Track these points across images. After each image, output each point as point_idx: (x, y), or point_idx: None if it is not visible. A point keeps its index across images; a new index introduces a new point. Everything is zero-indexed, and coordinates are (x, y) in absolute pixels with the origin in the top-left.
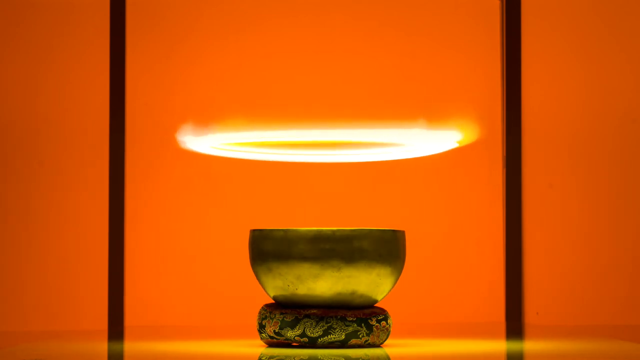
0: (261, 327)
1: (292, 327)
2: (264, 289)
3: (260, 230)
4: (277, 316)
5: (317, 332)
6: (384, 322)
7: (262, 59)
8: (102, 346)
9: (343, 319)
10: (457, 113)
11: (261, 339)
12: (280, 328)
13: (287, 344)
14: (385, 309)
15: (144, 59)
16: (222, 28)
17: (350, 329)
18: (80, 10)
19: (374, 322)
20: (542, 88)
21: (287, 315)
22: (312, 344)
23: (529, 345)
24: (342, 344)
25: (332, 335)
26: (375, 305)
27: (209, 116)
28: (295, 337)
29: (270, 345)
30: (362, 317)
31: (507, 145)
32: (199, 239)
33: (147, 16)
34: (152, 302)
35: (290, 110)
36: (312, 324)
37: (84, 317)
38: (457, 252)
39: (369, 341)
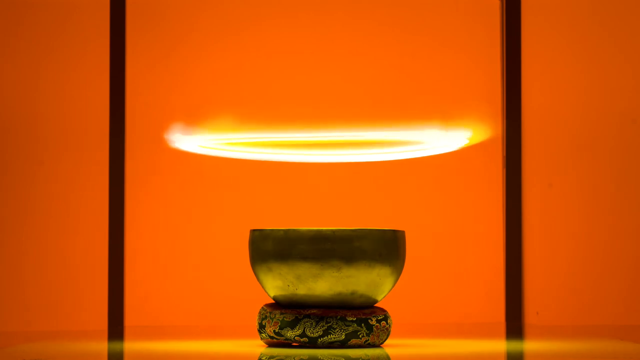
0: (261, 327)
1: (292, 327)
2: (264, 289)
3: (260, 230)
4: (277, 316)
5: (317, 332)
6: (384, 322)
7: (263, 59)
8: (102, 346)
9: (343, 319)
10: (457, 113)
11: (261, 339)
12: (280, 328)
13: (287, 344)
14: (385, 309)
15: (144, 59)
16: (222, 28)
17: (350, 329)
18: (80, 10)
19: (374, 322)
20: (542, 88)
21: (287, 315)
22: (312, 344)
23: (529, 345)
24: (342, 344)
25: (332, 335)
26: (375, 305)
27: (209, 116)
28: (295, 337)
29: (270, 345)
30: (362, 317)
31: (507, 145)
32: (199, 239)
33: (147, 16)
34: (152, 302)
35: (287, 110)
36: (312, 324)
37: (84, 317)
38: (457, 252)
39: (369, 341)
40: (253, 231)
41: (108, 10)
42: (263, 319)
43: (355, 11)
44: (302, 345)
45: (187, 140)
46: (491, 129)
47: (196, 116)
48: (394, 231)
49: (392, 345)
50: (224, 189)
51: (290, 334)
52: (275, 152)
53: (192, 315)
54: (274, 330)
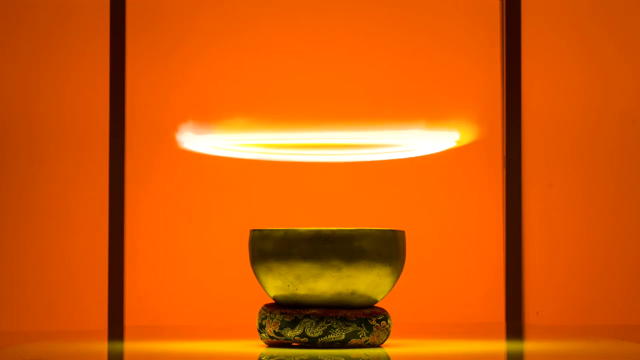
0: (261, 327)
1: (292, 327)
2: (264, 289)
3: (260, 230)
4: (277, 316)
5: (317, 332)
6: (384, 322)
7: (262, 59)
8: (102, 346)
9: (343, 319)
10: (457, 113)
11: (261, 339)
12: (280, 328)
13: (287, 344)
14: (385, 309)
15: (144, 59)
16: (222, 28)
17: (350, 329)
18: (80, 10)
19: (374, 322)
20: (542, 88)
21: (287, 315)
22: (312, 344)
23: (529, 345)
24: (342, 344)
25: (332, 335)
26: (375, 305)
27: (208, 116)
28: (295, 337)
29: (270, 345)
30: (362, 317)
31: (507, 145)
32: (199, 239)
33: (147, 16)
34: (152, 302)
35: (289, 111)
36: (312, 324)
37: (84, 317)
38: (457, 252)
39: (369, 341)
40: (253, 231)
41: (108, 10)
42: (263, 319)
43: (355, 11)
44: (302, 345)
45: (187, 140)
46: (491, 129)
47: (196, 116)
48: (394, 231)
49: (392, 345)
50: (224, 189)
51: (290, 334)
52: (276, 152)
53: (192, 315)
54: (274, 330)
